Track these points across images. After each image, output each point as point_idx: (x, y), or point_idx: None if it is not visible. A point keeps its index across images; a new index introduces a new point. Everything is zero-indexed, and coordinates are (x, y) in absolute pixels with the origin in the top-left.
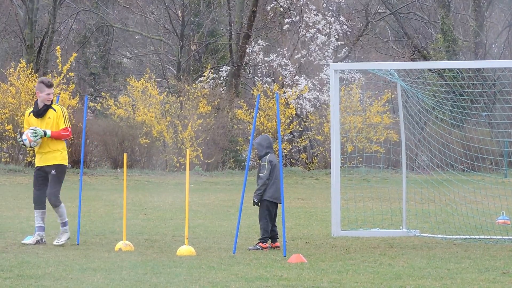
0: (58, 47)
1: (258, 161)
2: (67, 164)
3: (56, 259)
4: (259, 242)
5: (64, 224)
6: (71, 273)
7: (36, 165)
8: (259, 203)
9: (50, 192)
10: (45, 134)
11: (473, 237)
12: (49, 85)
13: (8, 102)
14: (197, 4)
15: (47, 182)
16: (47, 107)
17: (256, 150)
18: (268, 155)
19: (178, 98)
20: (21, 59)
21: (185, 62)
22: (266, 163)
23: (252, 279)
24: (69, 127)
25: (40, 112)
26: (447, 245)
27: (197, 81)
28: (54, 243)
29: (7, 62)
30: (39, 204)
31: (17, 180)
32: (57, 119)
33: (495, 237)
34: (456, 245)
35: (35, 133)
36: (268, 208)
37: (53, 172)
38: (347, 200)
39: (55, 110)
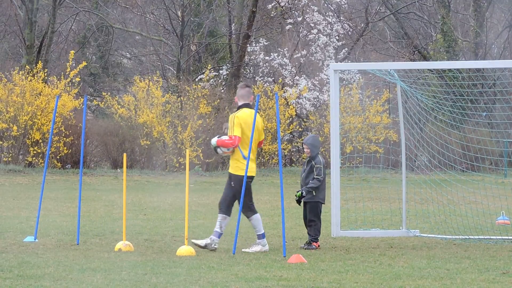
0: (72, 52)
1: (304, 160)
2: (242, 174)
3: (55, 259)
4: (312, 242)
5: (258, 236)
6: (71, 273)
7: None
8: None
9: (221, 198)
10: (212, 143)
11: (473, 237)
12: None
13: (12, 100)
14: (197, 4)
15: (229, 187)
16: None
17: (307, 150)
18: (318, 156)
19: (179, 98)
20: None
21: (185, 63)
22: (322, 166)
23: (251, 279)
24: (234, 135)
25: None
26: (447, 245)
27: (197, 80)
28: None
29: (7, 62)
30: (219, 207)
31: (17, 180)
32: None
33: (494, 237)
34: (456, 245)
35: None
36: (320, 209)
37: (229, 180)
38: (346, 200)
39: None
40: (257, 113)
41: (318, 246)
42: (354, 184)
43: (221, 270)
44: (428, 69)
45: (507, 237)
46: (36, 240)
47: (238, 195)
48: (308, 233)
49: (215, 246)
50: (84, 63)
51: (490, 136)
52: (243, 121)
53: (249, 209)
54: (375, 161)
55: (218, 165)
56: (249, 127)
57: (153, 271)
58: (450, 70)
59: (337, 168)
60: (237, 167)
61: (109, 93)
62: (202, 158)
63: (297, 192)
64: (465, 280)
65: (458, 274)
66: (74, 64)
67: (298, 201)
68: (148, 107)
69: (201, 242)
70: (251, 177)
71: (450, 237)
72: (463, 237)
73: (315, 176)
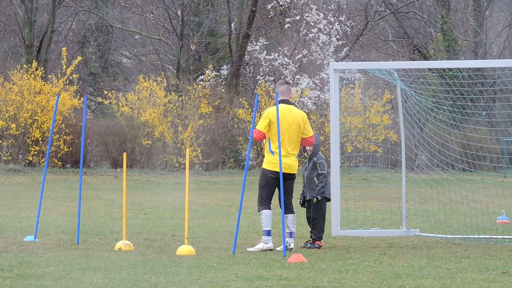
0: (64, 48)
1: (304, 157)
2: (268, 169)
3: (56, 259)
4: (316, 241)
5: (263, 232)
6: (71, 272)
7: None
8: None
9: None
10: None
11: (473, 236)
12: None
13: (11, 99)
14: (197, 3)
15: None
16: None
17: (310, 148)
18: (319, 153)
19: (180, 98)
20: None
21: (184, 62)
22: (324, 161)
23: (251, 278)
24: (256, 129)
25: None
26: (447, 244)
27: (198, 79)
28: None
29: (7, 62)
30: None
31: (17, 180)
32: None
33: (495, 236)
34: (456, 244)
35: None
36: (325, 206)
37: None
38: (346, 199)
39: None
40: (298, 108)
41: (321, 245)
42: (354, 184)
43: (221, 270)
44: (428, 68)
45: (507, 237)
46: (36, 239)
47: (259, 189)
48: (311, 231)
49: (270, 246)
50: (79, 58)
51: (490, 135)
52: (272, 115)
53: (262, 203)
54: (375, 161)
55: (218, 164)
56: (282, 121)
57: (153, 270)
58: (450, 69)
59: (337, 167)
60: (264, 160)
61: (110, 93)
62: (201, 158)
63: (313, 198)
64: (465, 279)
65: (458, 273)
66: (72, 62)
67: (302, 204)
68: (150, 107)
69: (268, 247)
70: (275, 173)
71: (450, 236)
72: (463, 236)
73: (319, 172)
